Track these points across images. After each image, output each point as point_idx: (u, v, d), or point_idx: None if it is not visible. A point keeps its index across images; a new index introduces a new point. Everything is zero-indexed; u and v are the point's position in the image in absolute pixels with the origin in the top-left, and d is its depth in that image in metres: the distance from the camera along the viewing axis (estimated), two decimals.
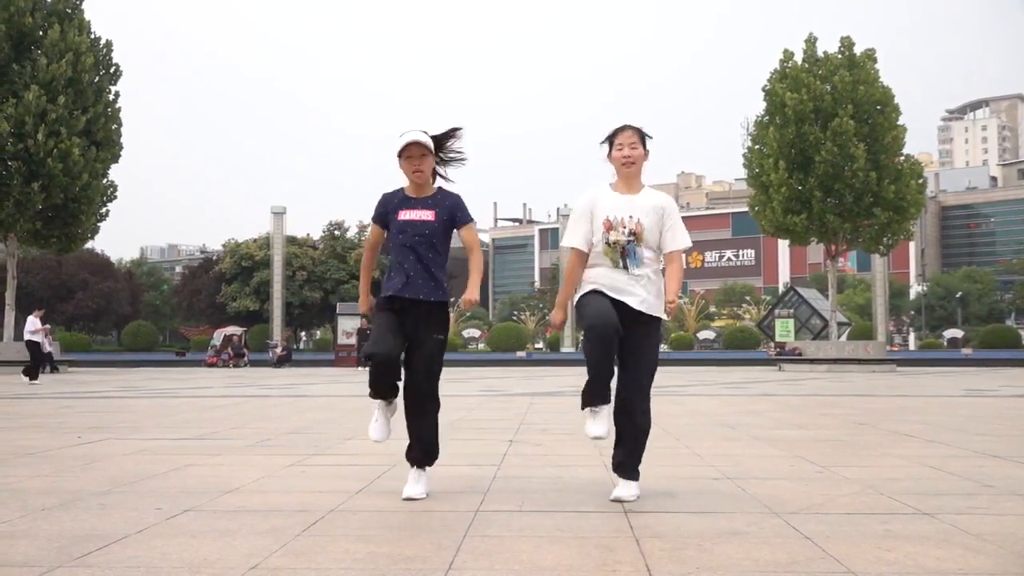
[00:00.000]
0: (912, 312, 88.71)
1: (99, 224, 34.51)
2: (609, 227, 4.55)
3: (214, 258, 67.32)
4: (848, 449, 6.95)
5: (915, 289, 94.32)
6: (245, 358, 43.40)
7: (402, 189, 4.83)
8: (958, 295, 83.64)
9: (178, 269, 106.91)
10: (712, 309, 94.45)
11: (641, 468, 4.66)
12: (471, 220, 4.86)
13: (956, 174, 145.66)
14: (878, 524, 3.94)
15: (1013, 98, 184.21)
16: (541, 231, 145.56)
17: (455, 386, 19.27)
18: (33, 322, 21.59)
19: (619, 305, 4.49)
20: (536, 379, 23.27)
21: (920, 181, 33.21)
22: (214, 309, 61.01)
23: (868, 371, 30.55)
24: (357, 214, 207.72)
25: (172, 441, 7.66)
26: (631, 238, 4.53)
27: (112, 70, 33.96)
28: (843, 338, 39.99)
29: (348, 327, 41.75)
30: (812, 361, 32.52)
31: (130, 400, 14.42)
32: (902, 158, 33.23)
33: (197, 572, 3.16)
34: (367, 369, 4.74)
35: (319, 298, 58.85)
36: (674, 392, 16.37)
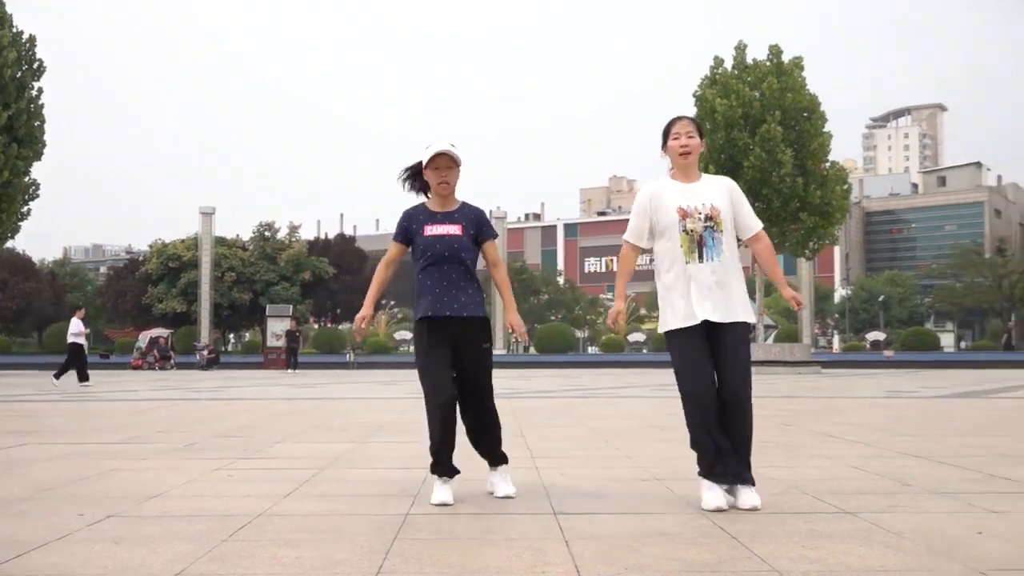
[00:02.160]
0: (836, 315, 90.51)
1: (20, 223, 33.70)
2: (684, 215, 4.47)
3: (140, 259, 66.16)
4: (774, 450, 7.06)
5: (839, 292, 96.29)
6: (172, 360, 42.70)
7: (424, 205, 4.75)
8: (880, 299, 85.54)
9: (103, 270, 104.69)
10: (642, 312, 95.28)
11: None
12: (495, 235, 4.83)
13: (879, 180, 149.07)
14: (802, 523, 4.01)
15: (933, 107, 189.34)
16: None
17: (387, 388, 19.18)
18: (76, 324, 21.12)
19: (705, 321, 4.42)
20: None
21: (845, 187, 33.93)
22: (140, 311, 59.93)
23: (794, 373, 31.08)
24: (287, 215, 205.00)
25: (96, 446, 7.50)
26: (708, 223, 4.47)
27: (35, 66, 33.21)
28: (770, 340, 40.69)
29: (277, 329, 41.31)
30: None
31: (52, 404, 14.08)
32: (828, 164, 33.92)
33: None
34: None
35: (248, 300, 58.18)
36: (605, 394, 16.47)
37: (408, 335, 76.64)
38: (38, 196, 33.91)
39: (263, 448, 7.28)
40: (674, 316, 4.49)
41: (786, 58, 34.18)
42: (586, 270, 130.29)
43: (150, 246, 63.45)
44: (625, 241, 4.71)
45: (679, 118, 4.67)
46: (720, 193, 4.57)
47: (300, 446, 7.28)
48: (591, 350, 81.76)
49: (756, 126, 32.58)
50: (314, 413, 10.92)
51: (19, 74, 32.38)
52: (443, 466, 4.61)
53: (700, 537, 3.73)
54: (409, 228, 4.69)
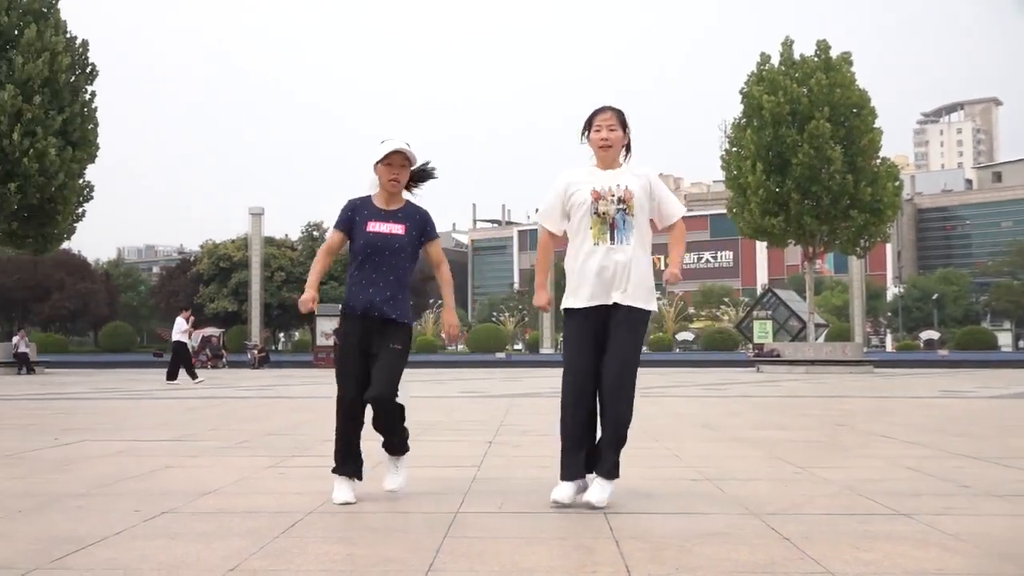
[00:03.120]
0: (889, 314, 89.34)
1: (75, 224, 34.31)
2: (598, 197, 4.47)
3: (192, 259, 67.07)
4: (826, 450, 6.99)
5: (892, 291, 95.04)
6: (223, 359, 43.23)
7: (370, 198, 4.74)
8: (934, 297, 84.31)
9: (155, 270, 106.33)
10: (691, 311, 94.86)
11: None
12: (437, 236, 4.83)
13: (932, 176, 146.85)
14: (856, 525, 3.96)
15: (987, 101, 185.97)
16: (520, 232, 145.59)
17: (435, 387, 19.24)
18: (180, 323, 21.99)
19: (603, 306, 4.44)
20: (516, 380, 23.28)
21: (896, 183, 33.47)
22: (192, 310, 60.73)
23: (846, 372, 30.74)
24: (335, 215, 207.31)
25: (150, 443, 7.61)
26: (621, 206, 4.45)
27: (88, 70, 33.77)
28: (820, 339, 40.28)
29: (327, 328, 41.64)
30: (790, 362, 32.69)
31: (107, 401, 14.32)
32: (878, 160, 33.48)
33: (175, 574, 3.14)
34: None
35: (298, 299, 58.71)
36: (653, 393, 16.40)
37: None
38: (92, 198, 34.49)
39: (313, 446, 7.33)
40: (575, 297, 4.50)
41: (834, 53, 33.79)
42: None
43: (201, 246, 64.33)
44: (541, 227, 4.71)
45: (602, 109, 4.63)
46: (637, 181, 4.54)
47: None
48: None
49: (804, 123, 32.23)
50: None
51: (73, 78, 32.95)
52: (348, 466, 4.68)
53: (752, 538, 3.70)
54: (352, 219, 4.67)
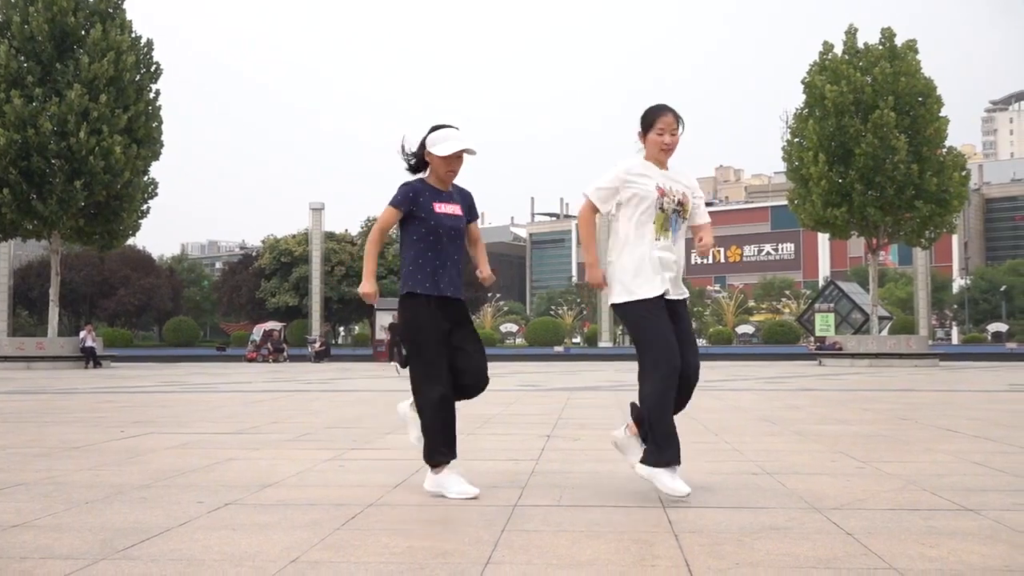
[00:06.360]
0: (955, 306, 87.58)
1: (140, 221, 34.91)
2: (663, 193, 4.57)
3: (253, 254, 68.01)
4: (890, 444, 6.88)
5: (958, 283, 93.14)
6: (284, 353, 43.75)
7: (423, 180, 4.77)
8: (1003, 288, 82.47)
9: (218, 265, 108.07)
10: (751, 303, 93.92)
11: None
12: (478, 216, 4.99)
13: (1000, 166, 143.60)
14: (921, 520, 3.89)
15: None
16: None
17: (493, 380, 19.26)
18: None
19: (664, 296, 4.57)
20: (574, 374, 23.25)
21: (963, 173, 32.74)
22: (254, 304, 61.64)
23: (910, 365, 30.20)
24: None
25: (213, 435, 7.74)
26: (678, 207, 4.61)
27: (152, 68, 34.30)
28: (884, 332, 39.57)
29: (386, 322, 41.96)
30: (853, 356, 32.19)
31: (171, 395, 14.57)
32: (944, 150, 32.77)
33: (238, 565, 3.18)
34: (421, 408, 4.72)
35: (357, 293, 59.33)
36: (713, 387, 16.27)
37: (513, 328, 77.01)
38: (157, 195, 35.07)
39: (373, 439, 7.40)
40: (646, 285, 4.50)
41: (899, 41, 33.15)
42: (692, 261, 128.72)
43: (263, 242, 65.26)
44: (588, 200, 4.67)
45: (663, 111, 4.64)
46: (690, 184, 4.76)
47: (408, 438, 7.37)
48: (698, 342, 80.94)
49: (868, 112, 31.66)
50: None
51: (137, 77, 33.52)
52: (450, 451, 4.64)
53: (813, 533, 3.65)
54: (416, 200, 4.65)
